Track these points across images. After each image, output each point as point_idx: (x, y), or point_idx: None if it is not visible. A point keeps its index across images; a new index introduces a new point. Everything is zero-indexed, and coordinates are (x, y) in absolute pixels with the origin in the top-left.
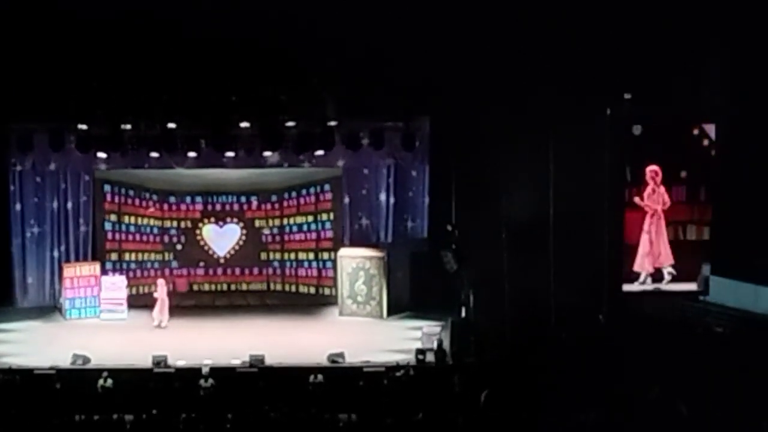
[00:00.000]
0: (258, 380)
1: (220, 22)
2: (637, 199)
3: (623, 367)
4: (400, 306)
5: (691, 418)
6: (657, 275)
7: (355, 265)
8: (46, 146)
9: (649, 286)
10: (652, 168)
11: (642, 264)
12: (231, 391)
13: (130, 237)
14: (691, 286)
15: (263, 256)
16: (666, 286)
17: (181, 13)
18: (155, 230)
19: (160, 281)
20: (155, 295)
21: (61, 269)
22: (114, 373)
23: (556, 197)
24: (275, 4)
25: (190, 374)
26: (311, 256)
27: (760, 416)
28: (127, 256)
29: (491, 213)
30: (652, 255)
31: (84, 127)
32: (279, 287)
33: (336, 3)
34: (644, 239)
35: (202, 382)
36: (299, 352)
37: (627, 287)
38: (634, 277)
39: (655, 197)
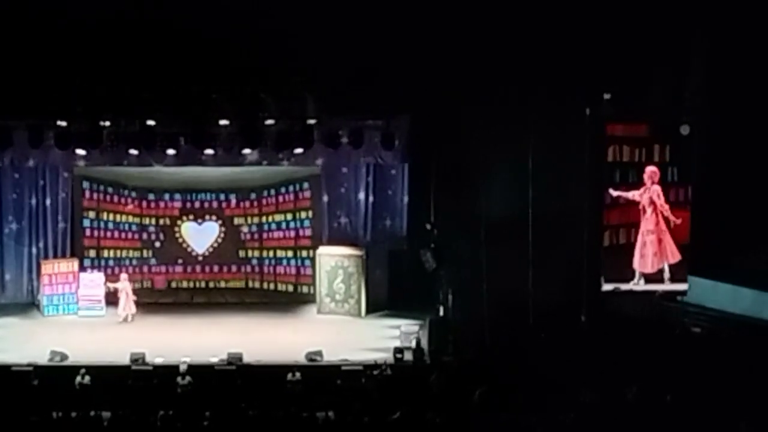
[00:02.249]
0: (236, 378)
1: (200, 20)
2: (617, 193)
3: (602, 367)
4: (378, 304)
5: (669, 419)
6: (657, 275)
7: (334, 263)
8: (25, 142)
9: (643, 287)
10: (651, 168)
11: (645, 264)
12: (209, 389)
13: (109, 234)
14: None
15: (242, 253)
16: (663, 286)
17: (161, 11)
18: (134, 227)
19: (123, 275)
20: (117, 285)
21: (39, 266)
22: (92, 370)
23: (535, 197)
24: (256, 3)
25: (167, 372)
26: (290, 254)
27: (738, 417)
28: (105, 253)
29: (470, 212)
30: (660, 254)
31: (63, 123)
32: (257, 285)
33: (316, 1)
34: (647, 239)
35: (179, 379)
36: (277, 350)
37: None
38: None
39: (646, 195)
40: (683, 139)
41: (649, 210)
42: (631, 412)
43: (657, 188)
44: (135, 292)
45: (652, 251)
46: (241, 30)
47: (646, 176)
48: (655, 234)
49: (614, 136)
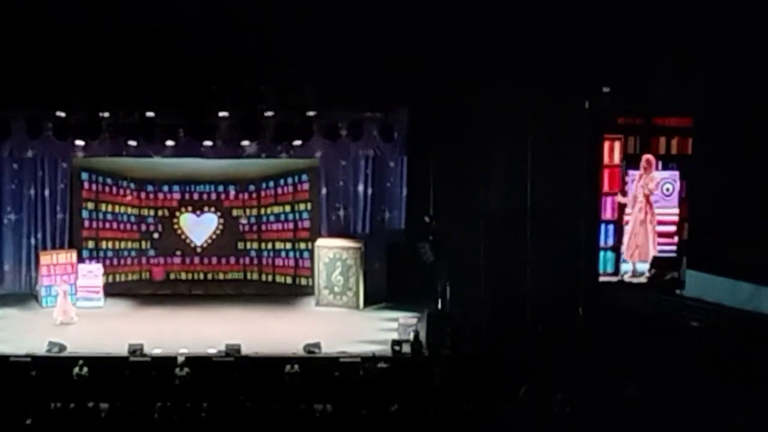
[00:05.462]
0: (234, 370)
1: (199, 12)
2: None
3: (599, 361)
4: (376, 297)
5: (665, 412)
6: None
7: (332, 255)
8: (24, 133)
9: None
10: (647, 157)
11: (629, 255)
12: (207, 381)
13: (108, 225)
14: None
15: (240, 245)
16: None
17: (160, 2)
18: (132, 219)
19: (64, 277)
20: (59, 289)
21: (37, 257)
22: (90, 361)
23: (533, 189)
24: None
25: (165, 363)
26: (288, 245)
27: (735, 410)
28: (104, 244)
29: (469, 205)
30: (637, 247)
31: (62, 114)
32: (255, 277)
33: None
34: (631, 230)
35: (177, 371)
36: (275, 342)
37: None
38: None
39: (641, 183)
40: None
41: (640, 198)
42: (629, 405)
43: (656, 176)
44: (134, 283)
45: (636, 242)
46: (240, 22)
47: (642, 164)
48: (644, 225)
49: (661, 126)
